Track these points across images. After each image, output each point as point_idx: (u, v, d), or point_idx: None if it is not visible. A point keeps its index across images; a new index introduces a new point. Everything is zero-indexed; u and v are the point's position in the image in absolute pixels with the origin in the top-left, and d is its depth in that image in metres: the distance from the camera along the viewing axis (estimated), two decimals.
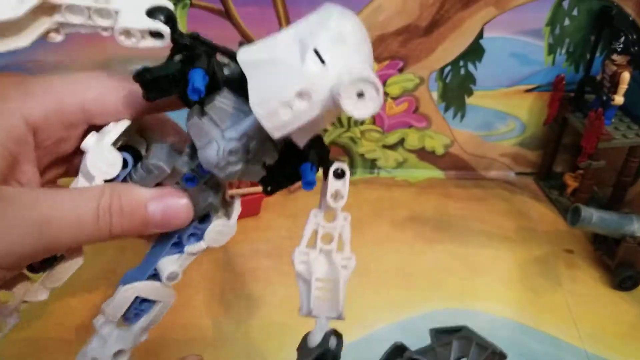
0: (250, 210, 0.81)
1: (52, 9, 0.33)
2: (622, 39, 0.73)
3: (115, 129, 0.38)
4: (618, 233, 0.69)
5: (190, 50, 0.36)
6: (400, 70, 0.83)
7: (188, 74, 0.34)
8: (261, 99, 0.32)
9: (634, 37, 0.72)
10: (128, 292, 0.41)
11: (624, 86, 0.73)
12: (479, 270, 0.73)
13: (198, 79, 0.34)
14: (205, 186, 0.40)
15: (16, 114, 0.34)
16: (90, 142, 0.37)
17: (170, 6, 0.34)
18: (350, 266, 0.43)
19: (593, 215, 0.68)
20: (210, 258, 0.73)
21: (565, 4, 0.78)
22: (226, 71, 0.37)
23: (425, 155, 0.92)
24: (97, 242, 0.34)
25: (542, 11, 0.79)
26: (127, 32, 0.33)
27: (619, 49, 0.73)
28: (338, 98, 0.31)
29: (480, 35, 0.80)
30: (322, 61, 0.32)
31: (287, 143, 0.38)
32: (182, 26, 0.78)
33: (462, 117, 0.88)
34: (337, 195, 0.41)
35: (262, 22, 0.78)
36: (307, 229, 0.43)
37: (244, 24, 0.79)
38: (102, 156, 0.37)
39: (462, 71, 0.84)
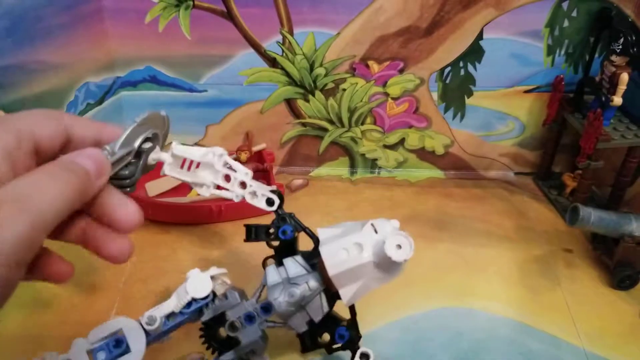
0: (255, 210, 0.81)
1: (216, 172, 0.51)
2: (621, 40, 0.73)
3: (217, 271, 0.53)
4: (617, 233, 0.69)
5: (284, 220, 0.55)
6: (401, 71, 0.84)
7: (281, 227, 0.55)
8: (329, 246, 0.50)
9: (633, 38, 0.72)
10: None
11: (622, 87, 0.74)
12: (478, 269, 0.73)
13: (288, 228, 0.55)
14: (259, 328, 0.52)
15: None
16: (194, 271, 0.52)
17: (281, 193, 0.54)
18: None
19: (592, 215, 0.68)
20: (211, 257, 0.73)
21: (565, 5, 0.79)
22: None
23: (425, 155, 0.93)
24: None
25: (542, 12, 0.79)
26: (254, 193, 0.53)
27: (618, 50, 0.74)
28: (384, 246, 0.47)
29: (480, 36, 0.81)
30: (376, 231, 0.49)
31: (331, 315, 0.54)
32: (185, 27, 0.79)
33: (462, 117, 0.88)
34: None
35: (263, 22, 0.79)
36: None
37: (246, 24, 0.79)
38: (201, 282, 0.52)
39: (462, 72, 0.84)
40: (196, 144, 0.89)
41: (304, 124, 0.89)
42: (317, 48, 0.81)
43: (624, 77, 0.73)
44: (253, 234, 0.57)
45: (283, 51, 0.81)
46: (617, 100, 0.75)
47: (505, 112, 0.88)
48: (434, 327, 0.65)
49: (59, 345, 0.61)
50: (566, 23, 0.80)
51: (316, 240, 0.53)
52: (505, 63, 0.83)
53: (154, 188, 0.83)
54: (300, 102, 0.86)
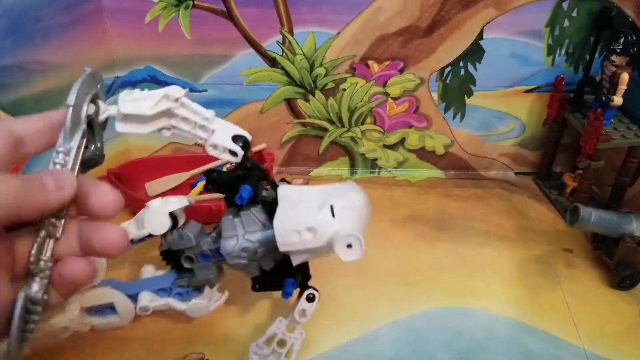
0: None
1: (171, 115, 0.46)
2: (622, 40, 0.73)
3: (177, 203, 0.54)
4: (617, 232, 0.69)
5: (248, 171, 0.51)
6: (401, 71, 0.84)
7: (240, 187, 0.50)
8: (282, 222, 0.47)
9: (633, 38, 0.72)
10: (106, 293, 0.53)
11: (623, 87, 0.74)
12: (478, 269, 0.73)
13: (246, 192, 0.50)
14: (213, 265, 0.55)
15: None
16: (155, 203, 0.53)
17: (249, 137, 0.48)
18: None
19: (592, 215, 0.68)
20: None
21: (565, 5, 0.79)
22: (264, 193, 0.52)
23: (425, 155, 0.93)
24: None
25: (542, 12, 0.79)
26: (215, 146, 0.47)
27: (618, 50, 0.74)
28: (333, 243, 0.45)
29: (480, 36, 0.81)
30: (333, 215, 0.47)
31: (283, 260, 0.51)
32: (185, 27, 0.79)
33: (462, 117, 0.88)
34: (303, 314, 0.55)
35: (263, 22, 0.79)
36: (269, 331, 0.55)
37: (246, 24, 0.79)
38: (158, 218, 0.53)
39: (462, 72, 0.84)
40: (196, 144, 0.89)
41: (304, 124, 0.89)
42: (317, 48, 0.81)
43: (624, 77, 0.73)
44: (214, 184, 0.53)
45: (283, 51, 0.81)
46: (618, 100, 0.75)
47: (505, 112, 0.88)
48: (434, 327, 0.65)
49: (62, 344, 0.61)
50: (566, 23, 0.80)
51: (273, 186, 0.53)
52: (506, 63, 0.83)
53: (153, 188, 0.83)
54: (300, 102, 0.86)
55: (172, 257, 0.57)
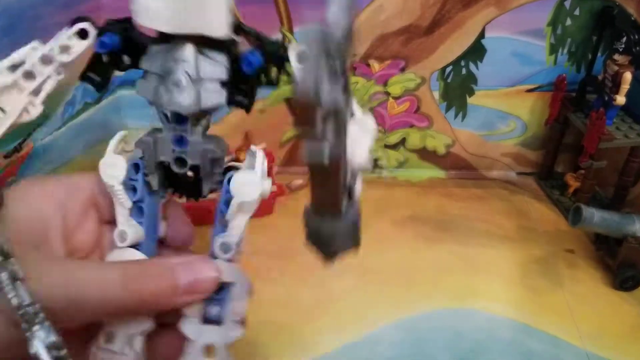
0: (264, 210, 0.81)
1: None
2: (624, 39, 0.73)
3: (112, 146, 0.43)
4: (619, 233, 0.69)
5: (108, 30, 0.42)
6: (402, 70, 0.83)
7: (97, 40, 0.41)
8: None
9: (636, 37, 0.72)
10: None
11: (625, 86, 0.73)
12: (479, 269, 0.73)
13: (105, 38, 0.41)
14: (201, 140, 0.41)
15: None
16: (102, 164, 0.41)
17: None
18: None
19: (594, 215, 0.68)
20: None
21: (567, 4, 0.78)
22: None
23: (426, 155, 0.92)
24: (130, 311, 0.34)
25: (544, 11, 0.79)
26: (65, 47, 0.40)
27: (621, 49, 0.73)
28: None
29: (481, 35, 0.80)
30: None
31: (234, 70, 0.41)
32: None
33: (464, 116, 0.88)
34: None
35: (263, 21, 0.78)
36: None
37: (245, 23, 0.79)
38: (110, 164, 0.41)
39: (464, 71, 0.84)
40: None
41: None
42: None
43: (627, 76, 0.73)
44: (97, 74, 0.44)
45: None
46: (620, 99, 0.74)
47: (507, 112, 0.88)
48: (435, 328, 0.64)
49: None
50: (569, 22, 0.80)
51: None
52: (507, 62, 0.83)
53: None
54: None
55: (177, 181, 0.43)
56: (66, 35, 0.41)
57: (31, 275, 0.30)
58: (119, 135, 0.43)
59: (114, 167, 0.40)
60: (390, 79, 0.84)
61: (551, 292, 0.70)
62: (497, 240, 0.78)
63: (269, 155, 0.86)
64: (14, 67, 0.41)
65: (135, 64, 0.43)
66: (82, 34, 0.41)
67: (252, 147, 0.42)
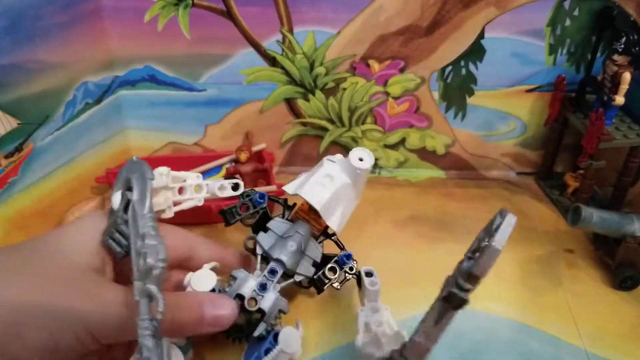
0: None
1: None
2: (623, 39, 0.73)
3: (212, 264, 0.55)
4: (618, 233, 0.69)
5: (248, 195, 0.61)
6: (402, 70, 0.83)
7: (252, 197, 0.61)
8: (308, 190, 0.58)
9: (635, 37, 0.72)
10: None
11: (624, 86, 0.73)
12: None
13: (257, 195, 0.61)
14: (275, 292, 0.55)
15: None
16: (192, 274, 0.53)
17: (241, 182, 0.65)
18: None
19: (593, 215, 0.68)
20: None
21: (566, 4, 0.78)
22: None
23: (426, 155, 0.92)
24: (163, 333, 0.40)
25: (543, 11, 0.79)
26: (222, 186, 0.63)
27: (620, 49, 0.73)
28: (350, 161, 0.59)
29: (481, 35, 0.80)
30: (333, 161, 0.61)
31: (325, 256, 0.61)
32: (185, 26, 0.79)
33: (463, 117, 0.88)
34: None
35: (263, 21, 0.78)
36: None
37: (246, 23, 0.79)
38: (204, 278, 0.53)
39: (463, 71, 0.84)
40: (195, 144, 0.89)
41: (304, 124, 0.88)
42: (317, 47, 0.81)
43: (626, 76, 0.73)
44: (230, 216, 0.60)
45: (283, 50, 0.81)
46: (619, 99, 0.74)
47: (506, 112, 0.88)
48: None
49: None
50: (568, 22, 0.80)
51: (283, 202, 0.63)
52: (507, 62, 0.83)
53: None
54: (301, 102, 0.86)
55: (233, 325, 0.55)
56: (226, 182, 0.63)
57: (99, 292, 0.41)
58: (211, 264, 0.55)
59: (207, 278, 0.52)
60: (390, 79, 0.84)
61: (551, 292, 0.70)
62: None
63: (269, 155, 0.86)
64: (176, 179, 0.58)
65: (259, 227, 0.60)
66: (235, 187, 0.63)
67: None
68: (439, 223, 0.82)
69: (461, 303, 0.43)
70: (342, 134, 0.89)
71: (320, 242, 0.62)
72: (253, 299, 0.53)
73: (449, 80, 0.85)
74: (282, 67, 0.83)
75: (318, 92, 0.85)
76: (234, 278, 0.54)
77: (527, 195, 0.89)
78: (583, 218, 0.67)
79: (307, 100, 0.86)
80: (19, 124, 0.67)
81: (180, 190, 0.59)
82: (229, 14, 0.78)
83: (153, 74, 0.83)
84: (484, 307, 0.67)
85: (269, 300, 0.54)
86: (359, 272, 0.60)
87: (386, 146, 0.91)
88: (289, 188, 0.60)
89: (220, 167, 0.84)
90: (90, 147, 0.80)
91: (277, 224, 0.60)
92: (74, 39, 0.73)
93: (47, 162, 0.74)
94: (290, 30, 0.79)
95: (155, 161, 0.86)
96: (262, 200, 0.60)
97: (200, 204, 0.60)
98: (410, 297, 0.68)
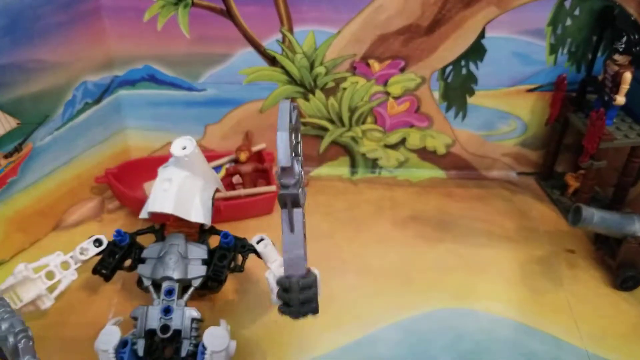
0: (264, 209, 0.81)
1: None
2: (624, 39, 0.73)
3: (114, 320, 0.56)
4: (619, 233, 0.69)
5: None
6: (402, 70, 0.83)
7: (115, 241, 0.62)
8: (153, 202, 0.61)
9: (636, 37, 0.72)
10: None
11: (625, 86, 0.73)
12: (480, 269, 0.73)
13: (116, 238, 0.61)
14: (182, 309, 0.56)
15: None
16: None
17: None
18: None
19: (594, 215, 0.68)
20: None
21: (567, 4, 0.78)
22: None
23: (426, 154, 0.92)
24: None
25: (544, 11, 0.79)
26: (83, 250, 0.61)
27: (621, 49, 0.73)
28: (174, 154, 0.63)
29: (481, 35, 0.80)
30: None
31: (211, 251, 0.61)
32: (184, 25, 0.79)
33: (464, 116, 0.88)
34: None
35: (263, 21, 0.78)
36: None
37: (246, 23, 0.79)
38: (107, 333, 0.53)
39: (464, 71, 0.84)
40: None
41: (304, 124, 0.88)
42: (317, 47, 0.81)
43: (627, 76, 0.72)
44: (104, 268, 0.61)
45: (283, 50, 0.81)
46: (620, 99, 0.74)
47: (507, 112, 0.88)
48: (435, 328, 0.64)
49: (58, 346, 0.61)
50: (569, 22, 0.80)
51: (150, 228, 0.64)
52: (508, 62, 0.82)
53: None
54: (301, 101, 0.86)
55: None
56: (86, 242, 0.61)
57: None
58: (114, 320, 0.56)
59: (110, 335, 0.52)
60: (391, 79, 0.84)
61: (551, 292, 0.70)
62: (497, 240, 0.78)
63: (269, 155, 0.86)
64: (38, 268, 0.58)
65: (134, 266, 0.61)
66: (98, 243, 0.61)
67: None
68: (439, 223, 0.82)
69: (294, 199, 0.47)
70: (342, 134, 0.89)
71: (204, 242, 0.63)
72: (164, 326, 0.54)
73: (449, 79, 0.85)
74: (282, 67, 0.82)
75: (318, 92, 0.85)
76: (135, 318, 0.55)
77: (528, 195, 0.89)
78: (584, 218, 0.67)
79: (307, 100, 0.85)
80: (18, 123, 0.67)
81: (51, 275, 0.59)
82: (228, 14, 0.78)
83: (152, 73, 0.82)
84: (484, 307, 0.67)
85: (177, 318, 0.55)
86: (251, 245, 0.61)
87: (386, 146, 0.91)
88: (142, 215, 0.62)
89: (220, 167, 0.84)
90: (90, 147, 0.80)
91: (150, 250, 0.61)
92: (73, 39, 0.73)
93: (46, 162, 0.73)
94: (290, 30, 0.79)
95: (155, 161, 0.86)
96: (123, 236, 0.61)
97: (75, 277, 0.60)
98: (410, 297, 0.68)
